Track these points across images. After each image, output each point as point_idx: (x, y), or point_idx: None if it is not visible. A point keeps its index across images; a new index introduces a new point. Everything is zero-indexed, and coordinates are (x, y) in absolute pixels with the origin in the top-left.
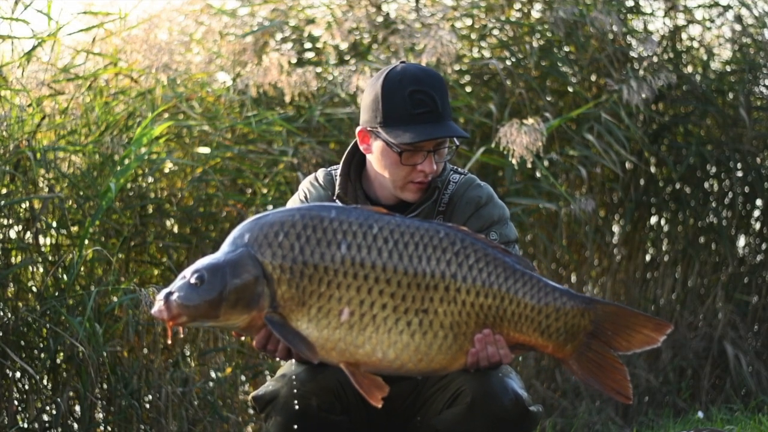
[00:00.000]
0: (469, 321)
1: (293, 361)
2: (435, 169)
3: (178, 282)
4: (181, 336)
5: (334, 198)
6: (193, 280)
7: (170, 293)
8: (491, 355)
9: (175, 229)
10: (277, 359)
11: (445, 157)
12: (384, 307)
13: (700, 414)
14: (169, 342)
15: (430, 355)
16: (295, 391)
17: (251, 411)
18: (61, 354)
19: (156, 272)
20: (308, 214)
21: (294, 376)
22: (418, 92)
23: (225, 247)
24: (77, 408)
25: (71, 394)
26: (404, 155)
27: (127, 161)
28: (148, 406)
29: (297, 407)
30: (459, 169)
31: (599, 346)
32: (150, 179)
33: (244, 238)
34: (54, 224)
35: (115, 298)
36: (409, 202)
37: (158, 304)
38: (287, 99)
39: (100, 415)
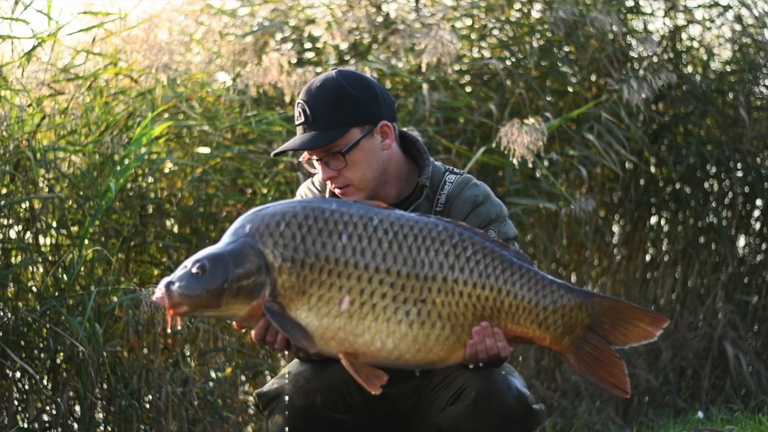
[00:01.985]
0: (466, 312)
1: (298, 360)
2: (334, 175)
3: (179, 271)
4: (180, 327)
5: None
6: (194, 270)
7: (171, 282)
8: (489, 347)
9: (175, 229)
10: (276, 351)
11: (338, 165)
12: (383, 297)
13: (700, 414)
14: (168, 328)
15: (428, 345)
16: (299, 388)
17: (251, 411)
18: (61, 354)
19: (156, 272)
20: (309, 206)
21: (299, 374)
22: (299, 104)
23: (226, 237)
24: (77, 408)
25: (71, 394)
26: (308, 163)
27: (127, 161)
28: (148, 406)
29: (301, 404)
30: (455, 170)
31: (597, 339)
32: (150, 179)
33: (246, 228)
34: (54, 224)
35: (115, 298)
36: None
37: (159, 292)
38: (287, 99)
39: (100, 415)
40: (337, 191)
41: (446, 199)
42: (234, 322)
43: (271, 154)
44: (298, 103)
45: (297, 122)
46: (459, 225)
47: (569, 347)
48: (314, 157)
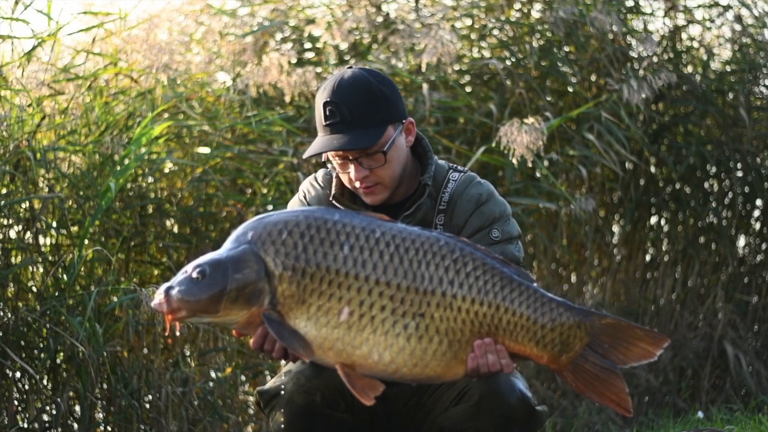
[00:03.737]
0: (464, 328)
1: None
2: (367, 174)
3: (179, 276)
4: (178, 333)
5: (331, 198)
6: (194, 275)
7: (171, 287)
8: (491, 363)
9: (175, 229)
10: (274, 359)
11: (374, 164)
12: (383, 309)
13: (700, 414)
14: (166, 333)
15: (425, 360)
16: (300, 386)
17: (251, 411)
18: (61, 354)
19: (156, 272)
20: (312, 216)
21: (299, 372)
22: (329, 103)
23: (228, 243)
24: (77, 408)
25: (71, 394)
26: (336, 164)
27: (127, 161)
28: (148, 406)
29: (301, 402)
30: (459, 168)
31: (596, 358)
32: (150, 179)
33: (248, 235)
34: (54, 224)
35: (115, 298)
36: (370, 205)
37: (158, 297)
38: (287, 99)
39: (100, 415)
40: (361, 191)
41: (449, 197)
42: (233, 329)
43: (304, 156)
44: (327, 102)
45: (327, 122)
46: (461, 240)
47: (567, 366)
48: (349, 156)
